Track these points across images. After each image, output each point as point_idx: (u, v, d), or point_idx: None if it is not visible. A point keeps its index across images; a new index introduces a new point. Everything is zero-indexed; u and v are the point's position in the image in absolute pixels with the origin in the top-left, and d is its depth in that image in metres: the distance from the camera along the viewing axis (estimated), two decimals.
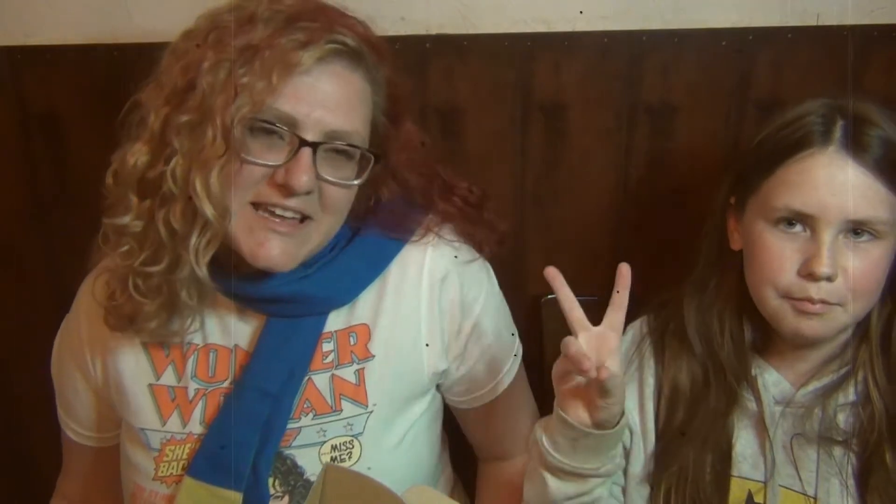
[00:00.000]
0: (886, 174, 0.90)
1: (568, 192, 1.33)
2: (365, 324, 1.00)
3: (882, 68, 1.23)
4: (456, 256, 1.04)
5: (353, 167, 0.93)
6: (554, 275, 0.93)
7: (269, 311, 0.98)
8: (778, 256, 0.93)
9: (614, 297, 0.91)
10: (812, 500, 0.96)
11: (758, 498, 0.97)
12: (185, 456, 0.97)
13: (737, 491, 0.98)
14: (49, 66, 1.31)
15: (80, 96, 1.31)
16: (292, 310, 0.98)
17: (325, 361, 0.99)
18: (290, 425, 0.97)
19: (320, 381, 0.98)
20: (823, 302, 0.91)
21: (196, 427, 0.98)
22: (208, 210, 0.86)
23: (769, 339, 1.01)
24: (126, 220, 0.89)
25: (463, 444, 1.21)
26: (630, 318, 1.07)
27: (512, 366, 1.11)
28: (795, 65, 1.24)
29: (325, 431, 0.97)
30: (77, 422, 1.10)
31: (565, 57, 1.26)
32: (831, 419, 0.96)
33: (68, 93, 1.32)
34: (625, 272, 0.91)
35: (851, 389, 0.97)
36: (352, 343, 1.00)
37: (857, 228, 0.90)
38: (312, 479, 0.96)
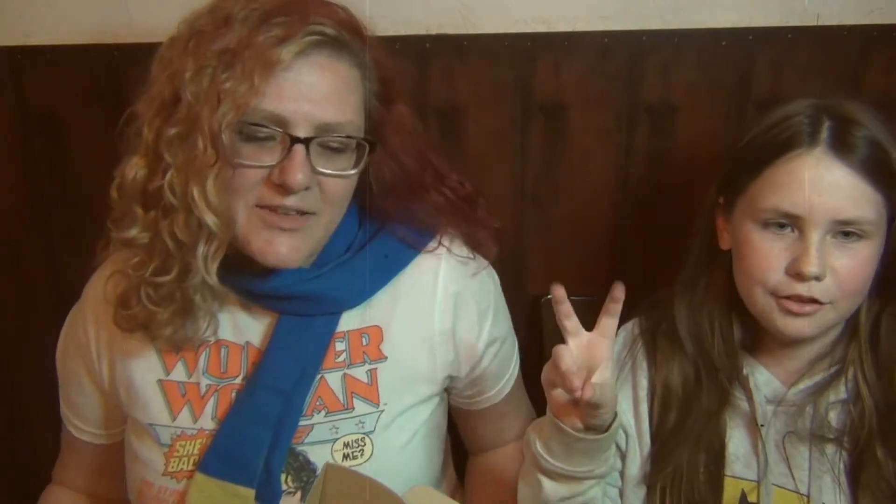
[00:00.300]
0: (873, 174, 0.91)
1: (568, 192, 1.33)
2: (378, 326, 1.02)
3: (882, 68, 1.24)
4: (468, 267, 1.06)
5: (349, 157, 0.93)
6: (561, 297, 0.90)
7: (281, 309, 0.99)
8: (766, 256, 0.94)
9: (608, 305, 0.90)
10: (805, 497, 0.97)
11: (751, 497, 0.99)
12: (195, 452, 0.98)
13: (730, 490, 0.99)
14: (49, 66, 1.31)
15: (80, 96, 1.32)
16: (304, 308, 0.99)
17: (337, 360, 1.00)
18: (303, 422, 0.98)
19: (333, 379, 1.00)
20: (812, 301, 0.92)
21: (208, 423, 0.99)
22: (210, 220, 0.86)
23: (759, 338, 1.03)
24: (133, 232, 0.90)
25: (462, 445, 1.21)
26: (622, 319, 1.07)
27: (514, 369, 1.13)
28: (795, 65, 1.24)
29: (337, 429, 0.99)
30: (80, 418, 1.11)
31: (565, 57, 1.26)
32: (823, 417, 0.97)
33: (68, 93, 1.33)
34: (618, 295, 0.89)
35: (842, 387, 0.98)
36: (364, 344, 1.01)
37: (844, 228, 0.91)
38: None
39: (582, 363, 0.88)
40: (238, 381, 0.99)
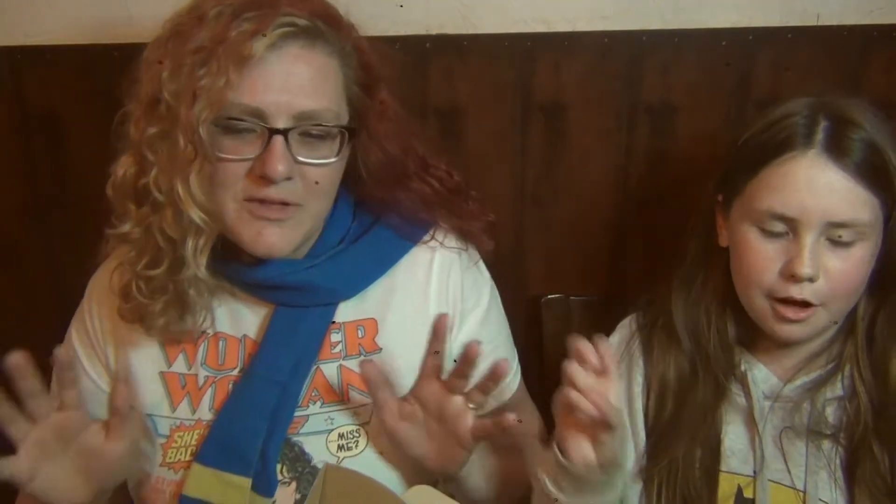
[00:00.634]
0: (868, 177, 0.91)
1: (568, 192, 1.34)
2: (373, 318, 1.03)
3: (882, 68, 1.25)
4: (461, 259, 1.07)
5: (330, 145, 0.94)
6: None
7: (276, 300, 1.01)
8: (761, 258, 0.95)
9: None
10: (801, 493, 0.98)
11: (747, 492, 0.99)
12: (193, 442, 0.99)
13: (726, 486, 1.00)
14: (49, 66, 1.32)
15: (80, 96, 1.33)
16: (298, 299, 1.00)
17: (333, 351, 1.02)
18: (298, 413, 1.00)
19: (329, 370, 1.01)
20: (806, 304, 0.93)
21: (205, 414, 1.00)
22: (195, 215, 0.88)
23: (756, 335, 1.04)
24: (127, 227, 0.92)
25: None
26: (620, 316, 1.07)
27: (511, 381, 1.11)
28: (795, 65, 1.25)
29: (332, 420, 1.00)
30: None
31: (565, 57, 1.27)
32: (819, 413, 0.98)
33: (68, 93, 1.33)
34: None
35: (839, 384, 0.99)
36: (360, 336, 1.03)
37: (838, 230, 0.92)
38: (319, 465, 0.98)
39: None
40: (235, 373, 1.01)
